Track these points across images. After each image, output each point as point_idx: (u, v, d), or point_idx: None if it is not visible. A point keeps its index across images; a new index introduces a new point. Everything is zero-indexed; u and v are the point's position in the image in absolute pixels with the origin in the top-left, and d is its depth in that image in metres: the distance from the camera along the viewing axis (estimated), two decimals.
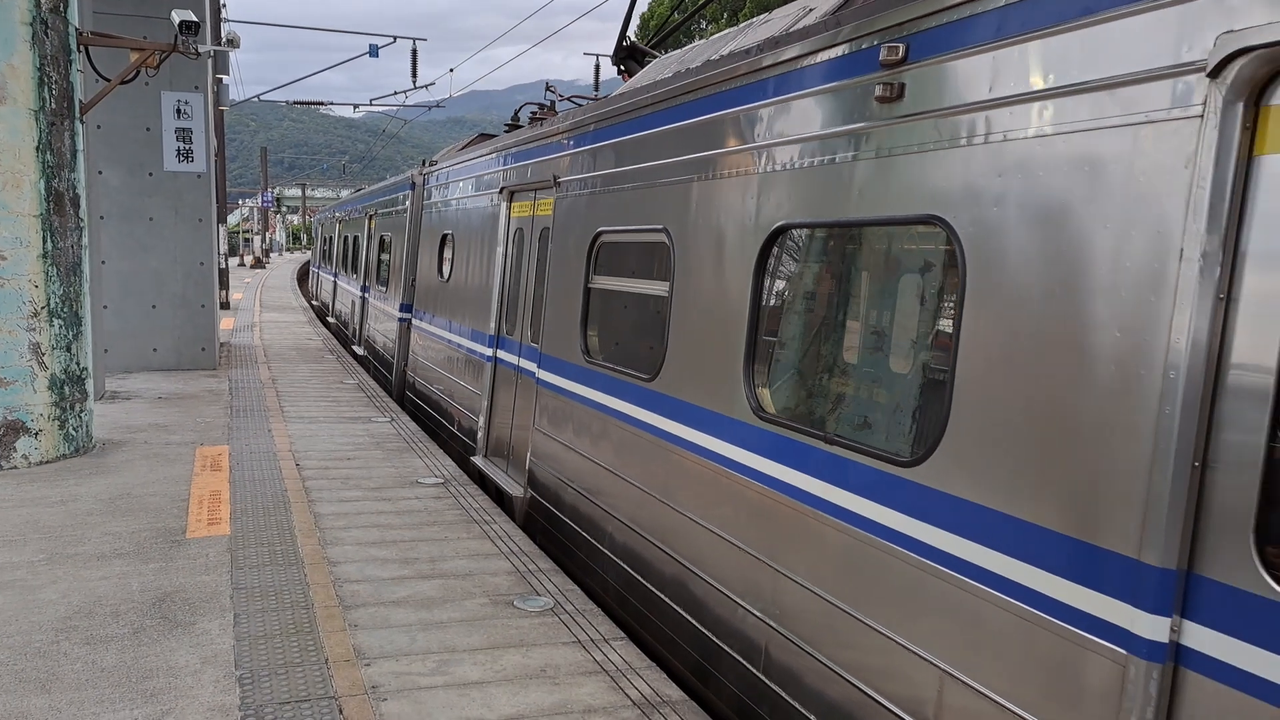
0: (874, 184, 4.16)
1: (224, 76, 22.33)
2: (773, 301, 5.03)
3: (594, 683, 4.81)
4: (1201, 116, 2.77)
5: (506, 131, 10.82)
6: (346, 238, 23.19)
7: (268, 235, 74.64)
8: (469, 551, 6.71)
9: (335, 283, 25.34)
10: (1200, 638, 2.76)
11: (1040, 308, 3.28)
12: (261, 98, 32.09)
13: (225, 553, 6.41)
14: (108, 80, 9.42)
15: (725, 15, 48.83)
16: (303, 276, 46.79)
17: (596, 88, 30.37)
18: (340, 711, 4.35)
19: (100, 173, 13.16)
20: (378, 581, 6.03)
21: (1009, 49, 3.46)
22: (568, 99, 11.81)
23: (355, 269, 20.97)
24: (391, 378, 15.30)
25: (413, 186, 14.61)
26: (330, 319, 25.56)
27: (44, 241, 8.39)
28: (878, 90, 4.09)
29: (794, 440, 4.60)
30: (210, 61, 15.08)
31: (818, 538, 4.38)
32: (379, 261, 17.59)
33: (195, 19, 9.48)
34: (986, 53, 3.56)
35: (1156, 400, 2.84)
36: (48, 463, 8.61)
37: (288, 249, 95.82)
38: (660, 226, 6.11)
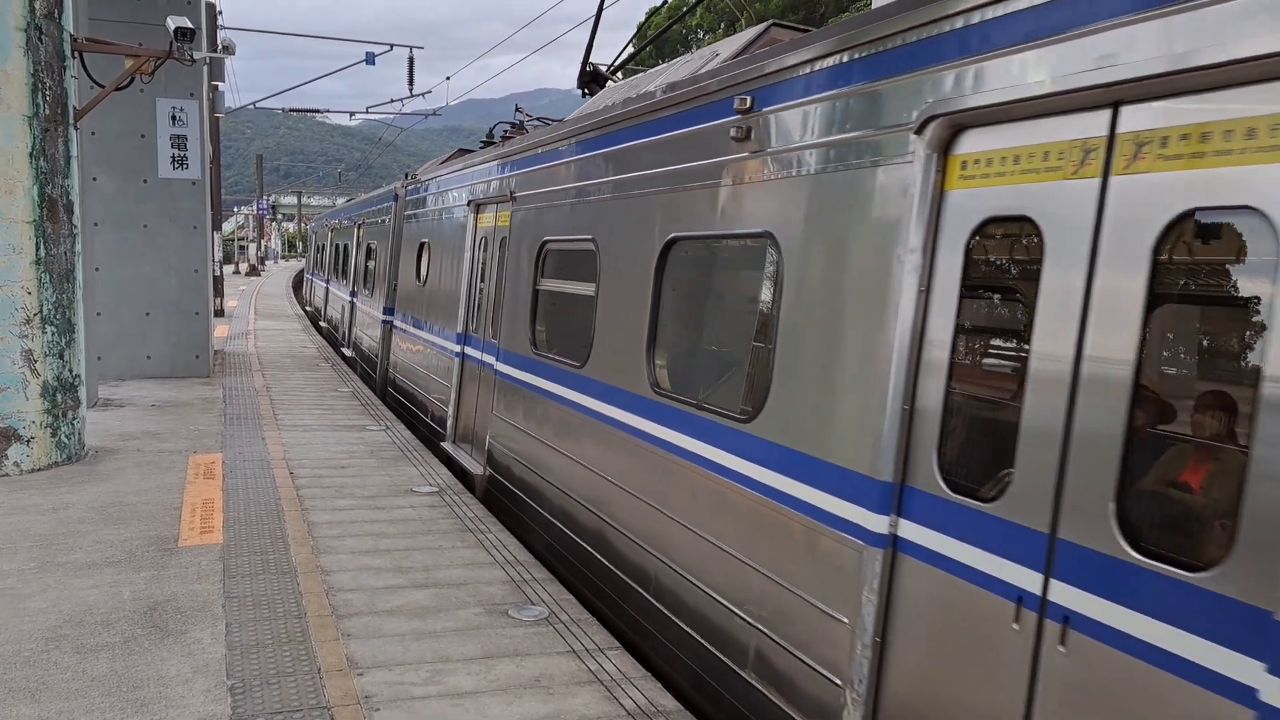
0: (730, 205, 5.31)
1: (219, 83, 22.33)
2: (665, 299, 6.15)
3: (588, 692, 4.77)
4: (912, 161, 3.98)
5: (482, 148, 11.89)
6: (337, 245, 24.32)
7: (263, 243, 74.59)
8: (463, 560, 6.68)
9: (327, 288, 26.49)
10: (909, 530, 3.92)
11: (826, 298, 4.47)
12: (257, 105, 32.02)
13: (218, 561, 6.37)
14: (102, 86, 9.40)
15: (722, 25, 48.97)
16: (298, 284, 46.73)
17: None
18: None
19: (94, 179, 13.13)
20: (371, 590, 5.99)
21: (807, 106, 4.68)
22: (536, 119, 12.54)
23: (345, 275, 22.14)
24: (376, 375, 16.29)
25: (395, 199, 15.68)
26: (322, 323, 26.51)
27: (37, 248, 8.36)
28: (732, 132, 5.23)
29: (677, 409, 5.68)
30: (205, 68, 15.05)
31: (692, 484, 5.46)
32: (366, 268, 18.53)
33: (191, 26, 9.47)
34: (798, 108, 4.76)
35: (889, 364, 3.98)
36: (39, 470, 8.56)
37: (283, 256, 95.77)
38: (590, 237, 7.23)
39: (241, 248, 74.54)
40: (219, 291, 24.79)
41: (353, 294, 20.32)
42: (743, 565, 4.93)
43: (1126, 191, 3.17)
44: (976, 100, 3.66)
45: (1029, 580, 3.39)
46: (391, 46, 24.72)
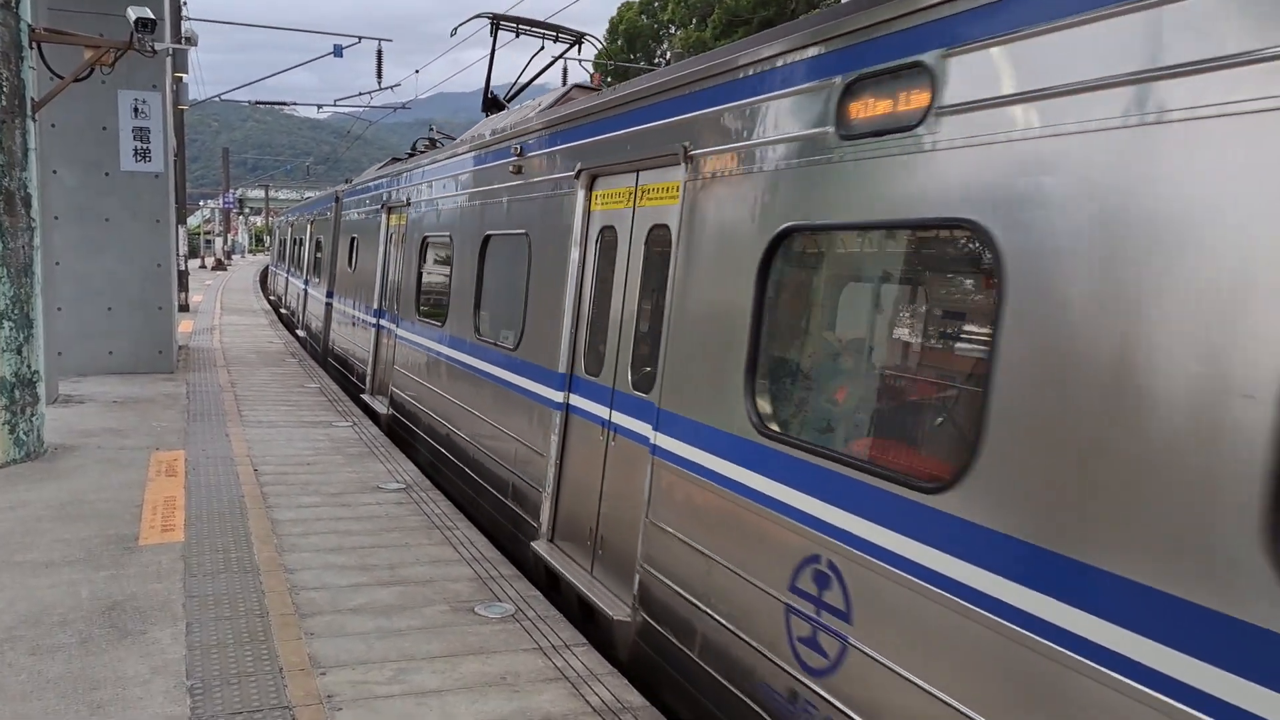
0: (510, 213, 8.28)
1: (183, 75, 22.04)
2: (487, 274, 8.87)
3: (554, 690, 4.75)
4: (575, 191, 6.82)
5: (405, 159, 14.37)
6: (294, 239, 27.20)
7: (229, 237, 73.76)
8: (430, 558, 6.63)
9: (286, 278, 29.73)
10: (573, 400, 6.75)
11: (555, 266, 7.24)
12: (223, 98, 31.73)
13: (179, 560, 6.28)
14: (61, 78, 9.23)
15: (694, 20, 48.94)
16: (265, 279, 46.31)
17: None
18: None
19: (55, 172, 12.89)
20: (335, 589, 5.93)
21: (539, 156, 7.65)
22: (446, 136, 14.59)
23: (299, 265, 25.33)
24: (319, 348, 19.25)
25: (336, 200, 18.47)
26: (283, 310, 29.13)
27: None
28: (510, 167, 8.19)
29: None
30: (169, 60, 14.83)
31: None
32: (315, 259, 21.32)
33: (152, 16, 9.31)
34: (536, 156, 7.69)
35: (570, 308, 6.93)
36: None
37: (250, 251, 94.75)
38: (448, 234, 10.16)
39: (208, 242, 73.69)
40: (184, 286, 24.46)
41: (305, 282, 23.01)
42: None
43: (641, 214, 6.09)
44: (597, 163, 6.60)
45: (605, 413, 6.29)
46: (360, 39, 24.45)
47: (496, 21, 11.45)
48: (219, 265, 59.12)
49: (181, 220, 23.13)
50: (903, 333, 4.41)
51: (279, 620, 5.38)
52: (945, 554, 3.41)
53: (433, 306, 10.92)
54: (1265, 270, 2.51)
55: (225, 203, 65.20)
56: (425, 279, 11.29)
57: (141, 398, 12.30)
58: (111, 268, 14.00)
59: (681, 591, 5.02)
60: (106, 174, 13.82)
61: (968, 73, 3.47)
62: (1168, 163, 2.77)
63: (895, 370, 4.38)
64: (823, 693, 3.96)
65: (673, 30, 53.43)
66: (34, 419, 8.79)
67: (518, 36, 11.63)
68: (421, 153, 13.63)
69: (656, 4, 54.60)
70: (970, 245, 3.75)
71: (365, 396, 13.44)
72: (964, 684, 3.29)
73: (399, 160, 15.03)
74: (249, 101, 34.04)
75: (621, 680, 4.92)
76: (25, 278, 8.53)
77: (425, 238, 11.08)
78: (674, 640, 5.08)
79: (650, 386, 5.66)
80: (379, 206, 13.85)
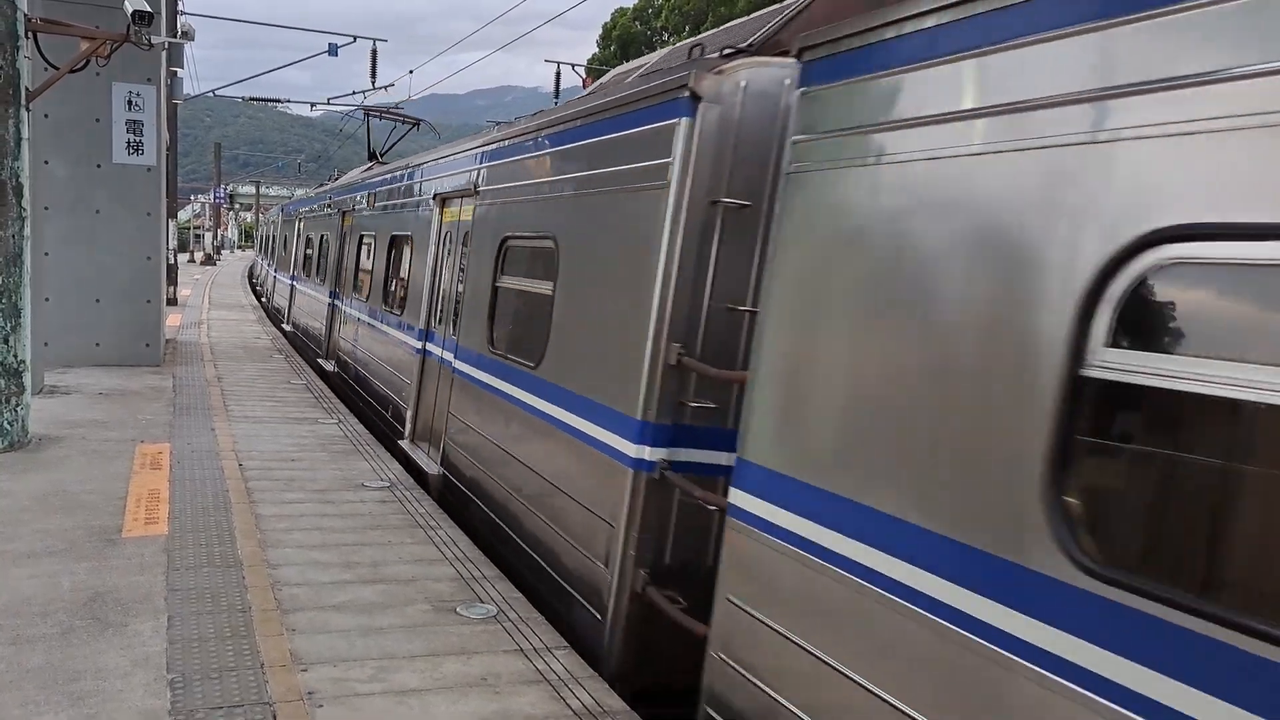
0: (389, 224, 12.90)
1: (178, 69, 21.98)
2: (398, 266, 11.94)
3: (535, 692, 4.77)
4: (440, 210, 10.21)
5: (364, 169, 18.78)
6: (271, 236, 32.07)
7: (220, 232, 73.51)
8: (413, 557, 6.64)
9: (265, 269, 34.14)
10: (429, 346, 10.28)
11: (419, 260, 10.59)
12: (217, 93, 31.54)
13: (161, 553, 6.28)
14: (56, 68, 9.22)
15: (687, 28, 49.06)
16: (253, 274, 46.19)
17: (557, 94, 30.37)
18: (274, 717, 4.27)
19: (46, 163, 12.87)
20: (318, 585, 5.93)
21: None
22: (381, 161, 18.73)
23: (272, 255, 30.53)
24: (283, 321, 23.35)
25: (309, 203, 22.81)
26: (264, 299, 31.55)
27: None
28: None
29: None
30: (164, 54, 14.80)
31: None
32: (287, 251, 24.77)
33: (149, 9, 9.31)
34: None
35: (429, 290, 10.44)
36: None
37: (240, 246, 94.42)
38: (374, 231, 13.46)
39: (197, 236, 73.39)
40: (172, 280, 24.38)
41: (275, 269, 28.40)
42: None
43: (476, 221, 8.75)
44: (443, 189, 9.94)
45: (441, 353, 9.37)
46: (355, 38, 24.46)
47: (368, 114, 19.01)
48: (208, 260, 58.92)
49: (172, 214, 23.05)
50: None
51: (261, 616, 5.38)
52: None
53: (355, 282, 14.63)
54: None
55: (216, 197, 64.98)
56: (355, 262, 14.93)
57: (128, 390, 12.27)
58: (101, 260, 13.94)
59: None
60: (98, 166, 13.78)
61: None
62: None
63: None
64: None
65: (666, 37, 53.58)
66: (19, 409, 8.76)
67: (380, 120, 18.52)
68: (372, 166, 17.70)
69: (650, 10, 54.77)
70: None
71: (321, 361, 15.48)
72: None
73: (378, 162, 18.02)
74: (243, 98, 33.91)
75: (602, 684, 4.95)
76: (14, 267, 8.51)
77: (363, 237, 14.51)
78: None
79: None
80: (335, 211, 17.46)
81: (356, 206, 15.38)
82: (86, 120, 13.58)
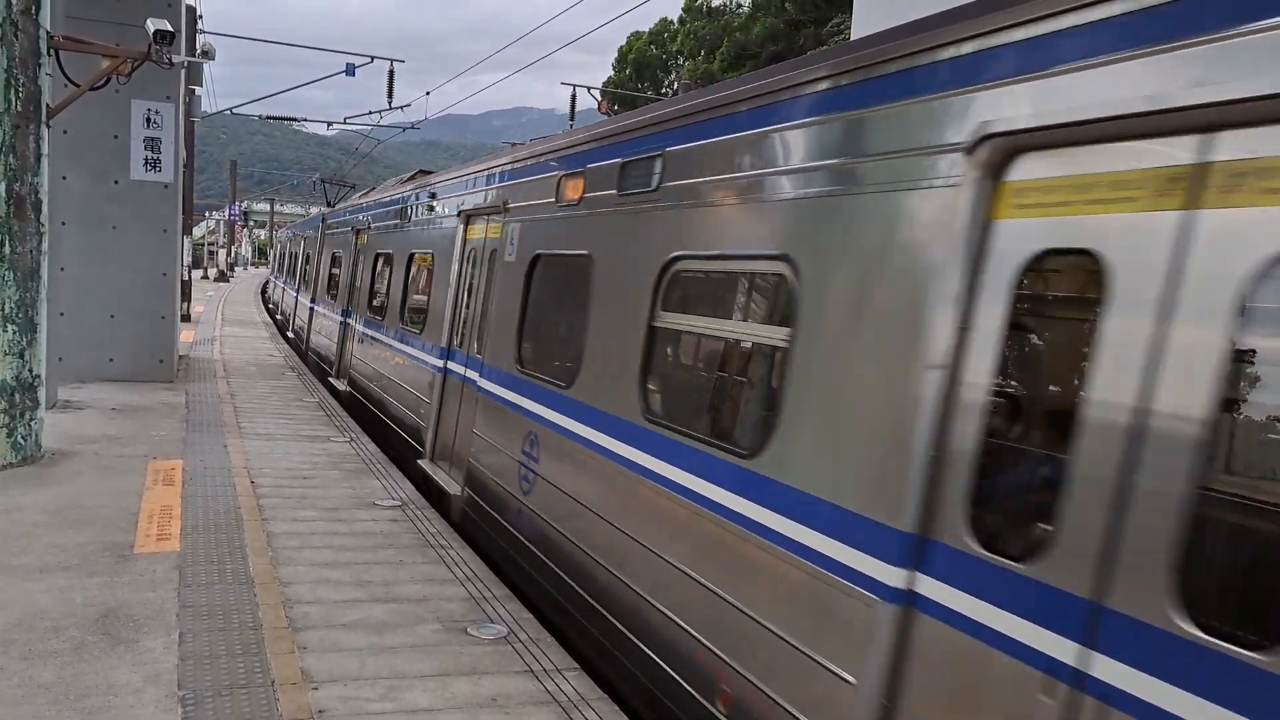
0: (349, 252, 16.96)
1: (196, 88, 22.17)
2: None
3: (545, 713, 4.74)
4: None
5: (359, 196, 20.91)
6: (289, 252, 32.72)
7: (233, 248, 73.96)
8: (424, 576, 6.63)
9: (279, 284, 35.87)
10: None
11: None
12: (234, 111, 31.78)
13: (173, 569, 6.28)
14: (77, 85, 9.31)
15: (702, 52, 49.31)
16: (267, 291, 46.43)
17: (572, 116, 30.57)
18: None
19: (64, 178, 12.97)
20: (329, 604, 5.92)
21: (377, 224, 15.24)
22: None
23: (285, 272, 32.45)
24: (291, 334, 25.51)
25: (322, 220, 23.38)
26: (278, 316, 32.64)
27: (1, 245, 8.24)
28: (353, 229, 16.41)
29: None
30: (183, 72, 14.94)
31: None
32: (303, 269, 25.54)
33: (171, 29, 9.42)
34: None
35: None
36: None
37: (253, 263, 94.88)
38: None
39: (211, 253, 73.82)
40: (186, 296, 24.51)
41: (285, 283, 30.47)
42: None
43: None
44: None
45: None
46: (373, 59, 24.62)
47: (324, 181, 23.30)
48: (221, 276, 59.20)
49: (187, 230, 23.20)
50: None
51: (272, 633, 5.37)
52: None
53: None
54: None
55: (231, 214, 65.39)
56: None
57: (141, 406, 12.31)
58: (116, 275, 14.02)
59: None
60: (116, 182, 13.89)
61: None
62: None
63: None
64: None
65: (681, 61, 53.89)
66: (32, 423, 8.79)
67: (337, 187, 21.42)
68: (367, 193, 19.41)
69: (666, 35, 55.10)
70: None
71: (333, 381, 16.53)
72: None
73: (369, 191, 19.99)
74: (259, 116, 34.16)
75: (611, 706, 4.92)
76: (31, 282, 8.57)
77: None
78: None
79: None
80: (349, 228, 17.91)
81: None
82: (105, 136, 13.70)
